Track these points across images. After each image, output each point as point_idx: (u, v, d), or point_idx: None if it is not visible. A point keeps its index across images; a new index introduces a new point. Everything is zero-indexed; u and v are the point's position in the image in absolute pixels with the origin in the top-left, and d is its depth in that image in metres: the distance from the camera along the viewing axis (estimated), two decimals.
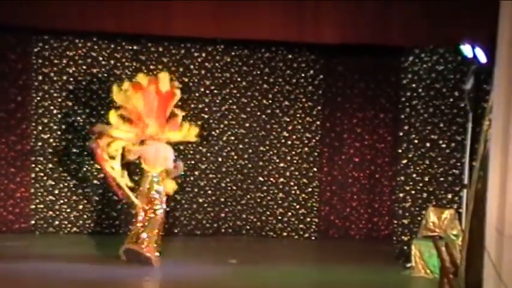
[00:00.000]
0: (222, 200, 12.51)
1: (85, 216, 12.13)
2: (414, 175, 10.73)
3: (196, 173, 12.28)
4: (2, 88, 11.73)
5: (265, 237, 12.52)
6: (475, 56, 9.74)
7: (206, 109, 12.33)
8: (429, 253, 9.73)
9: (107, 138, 10.20)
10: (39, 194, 11.97)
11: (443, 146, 10.60)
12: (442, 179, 10.60)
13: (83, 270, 9.58)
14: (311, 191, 12.59)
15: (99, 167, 11.95)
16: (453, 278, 7.01)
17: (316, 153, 12.61)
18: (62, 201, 12.04)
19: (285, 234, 12.58)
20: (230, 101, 12.46)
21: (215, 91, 12.39)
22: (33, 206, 11.96)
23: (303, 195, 12.59)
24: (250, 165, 12.53)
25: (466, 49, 9.78)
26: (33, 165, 11.94)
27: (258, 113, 12.53)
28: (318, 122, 12.61)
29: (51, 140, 11.98)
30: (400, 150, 10.96)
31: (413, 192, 10.75)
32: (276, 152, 12.57)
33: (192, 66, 12.16)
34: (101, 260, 10.34)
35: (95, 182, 12.10)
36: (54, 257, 10.28)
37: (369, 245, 12.18)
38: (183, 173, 11.12)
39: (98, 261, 10.25)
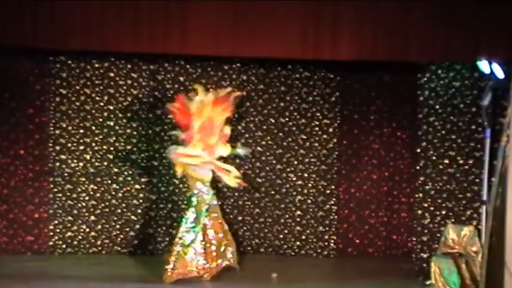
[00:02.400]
0: (240, 218, 12.50)
1: (103, 236, 12.15)
2: (432, 192, 10.69)
3: (214, 191, 12.27)
4: (20, 109, 11.81)
5: (283, 255, 12.49)
6: (492, 71, 9.71)
7: None
8: (449, 270, 9.67)
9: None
10: (58, 214, 12.01)
11: (461, 162, 10.55)
12: (460, 195, 10.55)
13: None
14: (329, 208, 12.56)
15: (117, 187, 12.06)
16: None
17: (333, 171, 12.58)
18: (80, 222, 12.07)
19: (303, 252, 12.54)
20: (247, 119, 12.48)
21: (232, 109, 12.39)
22: (52, 227, 11.99)
23: (321, 212, 12.55)
24: (267, 184, 12.51)
25: (483, 65, 9.76)
26: (52, 186, 11.99)
27: (275, 131, 12.54)
28: (335, 140, 12.58)
29: (69, 161, 12.03)
30: (418, 167, 10.92)
31: (431, 208, 10.71)
32: (293, 169, 12.55)
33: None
34: (121, 280, 10.35)
35: (113, 202, 12.13)
36: (73, 278, 10.30)
37: (387, 263, 12.11)
38: None
39: (117, 281, 10.26)
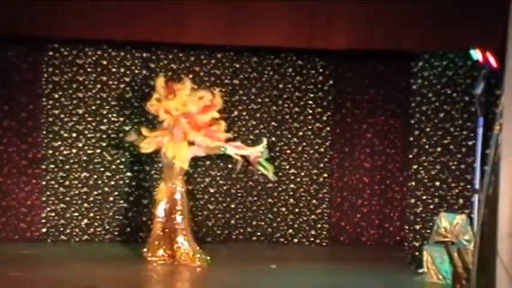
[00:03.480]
0: (233, 206, 12.51)
1: (96, 223, 12.15)
2: (425, 180, 10.71)
3: (207, 179, 12.29)
4: (13, 97, 11.78)
5: (276, 243, 12.51)
6: (485, 60, 9.71)
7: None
8: (441, 259, 9.70)
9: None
10: (51, 202, 12.00)
11: (454, 151, 10.57)
12: (453, 184, 10.57)
13: (97, 277, 9.61)
14: (321, 197, 12.58)
15: (110, 175, 12.05)
16: (466, 284, 6.98)
17: (326, 159, 12.60)
18: (73, 209, 12.07)
19: (295, 240, 12.56)
20: (240, 108, 12.48)
21: (225, 98, 12.38)
22: (45, 214, 11.99)
23: (314, 201, 12.57)
24: (260, 172, 12.51)
25: (476, 54, 9.76)
26: (44, 173, 11.98)
27: (268, 120, 12.54)
28: (328, 128, 12.60)
29: (62, 148, 12.01)
30: (410, 156, 10.95)
31: (424, 197, 10.74)
32: (286, 158, 12.56)
33: (201, 73, 12.17)
34: (113, 267, 10.36)
35: (106, 189, 12.13)
36: (66, 265, 10.31)
37: (380, 251, 12.15)
38: None
39: (110, 268, 10.27)
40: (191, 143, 10.76)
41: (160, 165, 12.03)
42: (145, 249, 10.69)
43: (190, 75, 12.12)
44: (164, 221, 10.66)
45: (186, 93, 10.67)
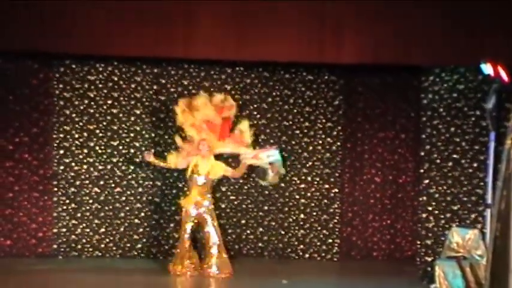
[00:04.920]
0: (243, 221, 12.49)
1: (107, 239, 12.15)
2: (437, 195, 10.67)
3: (218, 195, 12.27)
4: (24, 113, 11.82)
5: (287, 258, 12.47)
6: (496, 74, 9.68)
7: None
8: (453, 274, 9.64)
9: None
10: (62, 217, 12.01)
11: (466, 165, 10.53)
12: (465, 198, 10.53)
13: None
14: (332, 211, 12.55)
15: (121, 190, 12.07)
16: None
17: (337, 174, 12.57)
18: (84, 225, 12.07)
19: (307, 255, 12.52)
20: (250, 123, 12.45)
21: (236, 113, 12.41)
22: (56, 230, 12.00)
23: (325, 216, 12.54)
24: (271, 187, 12.50)
25: (487, 68, 9.74)
26: (56, 189, 12.00)
27: (279, 134, 12.53)
28: (339, 143, 12.58)
29: (73, 164, 12.04)
30: (422, 170, 10.91)
31: (436, 212, 10.69)
32: (296, 173, 12.54)
33: (212, 89, 12.19)
34: (124, 284, 10.35)
35: (117, 205, 12.14)
36: (77, 281, 10.31)
37: (391, 266, 12.10)
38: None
39: (121, 284, 10.26)
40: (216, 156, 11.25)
41: (171, 180, 12.08)
42: (171, 264, 11.02)
43: (201, 91, 12.18)
44: (192, 235, 11.06)
45: (204, 102, 11.32)
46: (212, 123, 11.28)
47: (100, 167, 12.10)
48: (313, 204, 12.53)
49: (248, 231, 12.51)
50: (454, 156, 10.58)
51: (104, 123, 12.12)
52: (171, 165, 11.19)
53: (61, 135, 12.01)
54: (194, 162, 10.97)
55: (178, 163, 11.14)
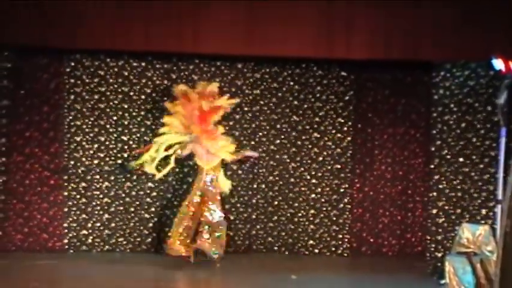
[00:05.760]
0: (254, 217, 12.50)
1: (117, 234, 12.18)
2: (447, 191, 10.65)
3: (227, 190, 12.26)
4: (35, 108, 11.86)
5: (297, 254, 12.48)
6: (507, 70, 9.64)
7: (237, 126, 12.35)
8: (463, 270, 9.61)
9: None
10: (72, 212, 12.05)
11: (477, 161, 10.51)
12: (475, 194, 10.51)
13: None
14: (343, 207, 12.54)
15: (131, 185, 12.09)
16: None
17: (347, 170, 12.55)
18: (94, 220, 12.11)
19: (316, 251, 12.52)
20: (260, 118, 12.48)
21: (245, 108, 12.43)
22: (66, 225, 12.04)
23: (335, 211, 12.53)
24: (281, 182, 12.51)
25: (499, 63, 9.70)
26: (66, 184, 12.03)
27: (289, 130, 12.53)
28: (349, 138, 12.56)
29: (84, 159, 12.07)
30: (432, 166, 10.89)
31: (446, 208, 10.67)
32: (306, 168, 12.54)
33: (222, 84, 12.19)
34: (135, 278, 10.38)
35: (127, 200, 12.16)
36: (87, 276, 10.35)
37: (401, 262, 12.08)
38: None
39: (132, 278, 10.29)
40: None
41: (181, 175, 12.10)
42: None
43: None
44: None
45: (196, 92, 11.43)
46: (204, 112, 11.31)
47: (111, 162, 12.13)
48: (323, 200, 12.52)
49: (258, 227, 12.52)
50: (465, 151, 10.56)
51: (115, 118, 12.15)
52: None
53: (72, 130, 12.04)
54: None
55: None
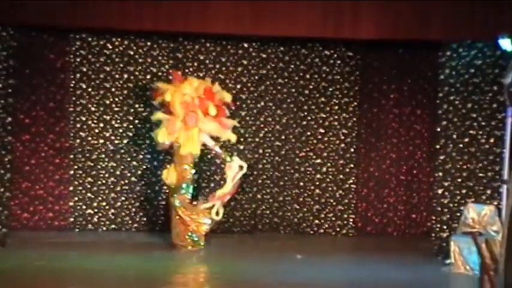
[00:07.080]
0: (259, 197, 12.52)
1: (123, 213, 12.22)
2: (453, 171, 10.64)
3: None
4: (41, 87, 11.87)
5: (302, 233, 12.50)
6: None
7: (243, 106, 12.34)
8: (468, 250, 9.64)
9: None
10: (78, 191, 12.08)
11: (482, 141, 10.49)
12: (481, 174, 10.50)
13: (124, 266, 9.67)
14: (348, 187, 12.54)
15: (136, 164, 12.10)
16: (494, 275, 6.93)
17: (352, 150, 12.55)
18: (100, 199, 12.14)
19: (322, 230, 12.55)
20: (266, 98, 12.47)
21: (251, 88, 12.41)
22: (72, 204, 12.07)
23: (340, 191, 12.54)
24: (286, 162, 12.51)
25: (505, 43, 9.66)
26: (72, 163, 12.06)
27: (295, 110, 12.51)
28: (355, 118, 12.55)
29: (90, 138, 12.09)
30: (438, 146, 10.87)
31: (451, 188, 10.67)
32: (312, 148, 12.54)
33: (228, 63, 12.17)
34: (141, 255, 10.42)
35: (133, 179, 12.18)
36: (93, 254, 10.39)
37: (406, 242, 12.11)
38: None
39: (137, 257, 10.33)
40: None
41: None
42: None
43: (217, 66, 12.17)
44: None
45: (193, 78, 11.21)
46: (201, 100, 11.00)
47: (116, 141, 12.14)
48: (328, 180, 12.54)
49: (263, 207, 12.53)
50: (471, 132, 10.54)
51: (120, 98, 12.14)
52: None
53: (77, 109, 12.05)
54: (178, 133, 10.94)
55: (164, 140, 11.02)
